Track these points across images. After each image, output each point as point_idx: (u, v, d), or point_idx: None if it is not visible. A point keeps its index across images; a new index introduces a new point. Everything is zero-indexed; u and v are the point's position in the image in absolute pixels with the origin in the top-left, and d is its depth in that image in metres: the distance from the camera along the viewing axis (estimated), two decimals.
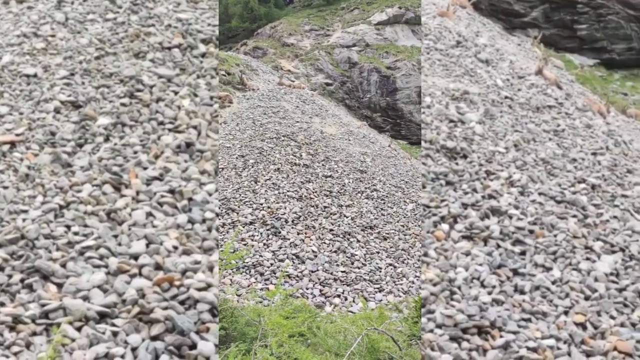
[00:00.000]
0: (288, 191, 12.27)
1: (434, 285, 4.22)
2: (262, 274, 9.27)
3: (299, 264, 9.75)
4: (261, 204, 11.52)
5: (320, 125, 18.46)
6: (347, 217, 11.77)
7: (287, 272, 9.33)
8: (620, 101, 15.38)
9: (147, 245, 3.74)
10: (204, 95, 5.47)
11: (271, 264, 9.57)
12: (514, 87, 8.90)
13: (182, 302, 3.30)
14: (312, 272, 9.57)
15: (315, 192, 12.75)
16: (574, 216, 5.60)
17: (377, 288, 9.59)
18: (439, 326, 3.82)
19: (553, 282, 4.57)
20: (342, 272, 9.77)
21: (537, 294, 4.36)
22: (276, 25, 34.54)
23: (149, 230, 3.86)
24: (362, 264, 10.21)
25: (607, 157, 7.29)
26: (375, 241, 11.21)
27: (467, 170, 5.83)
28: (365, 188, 13.55)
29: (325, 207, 12.08)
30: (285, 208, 11.51)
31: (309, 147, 15.33)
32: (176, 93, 5.48)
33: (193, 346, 3.06)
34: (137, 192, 4.29)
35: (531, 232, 5.15)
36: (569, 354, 3.82)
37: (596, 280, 4.74)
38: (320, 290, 9.18)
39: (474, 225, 4.97)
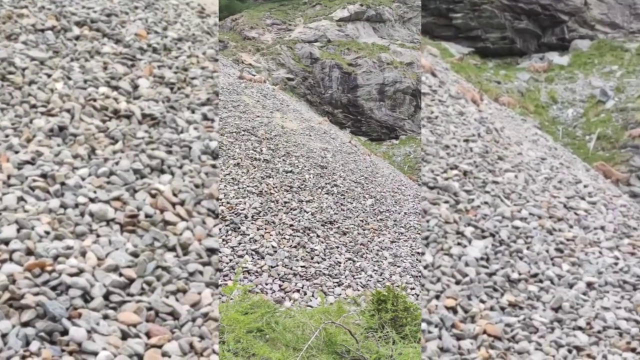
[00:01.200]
0: (248, 186, 12.18)
1: None
2: (220, 270, 9.18)
3: (258, 259, 9.71)
4: (220, 200, 11.39)
5: (281, 120, 18.41)
6: (307, 213, 11.81)
7: (245, 267, 9.28)
8: (494, 89, 15.94)
9: (18, 230, 3.65)
10: (77, 78, 5.38)
11: (230, 260, 9.49)
12: None
13: (53, 288, 3.25)
14: (272, 267, 9.56)
15: (276, 187, 12.72)
16: (446, 202, 5.67)
17: (336, 282, 9.68)
18: None
19: (425, 267, 4.66)
20: (301, 267, 9.81)
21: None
22: (237, 18, 34.09)
23: (20, 215, 3.77)
24: (322, 258, 10.28)
25: (479, 144, 7.34)
26: (334, 236, 11.31)
27: None
28: (326, 183, 13.63)
29: (285, 202, 12.07)
30: (245, 203, 11.43)
31: (270, 142, 15.25)
32: (49, 76, 5.37)
33: (65, 332, 3.03)
34: (8, 176, 4.17)
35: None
36: (440, 338, 3.88)
37: (467, 265, 4.83)
38: (280, 286, 9.19)
39: None
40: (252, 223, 10.71)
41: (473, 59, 21.32)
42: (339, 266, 10.20)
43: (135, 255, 3.64)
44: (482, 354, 3.73)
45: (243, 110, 17.50)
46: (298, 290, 9.13)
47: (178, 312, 3.32)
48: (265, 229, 10.69)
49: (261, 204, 11.44)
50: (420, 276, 10.67)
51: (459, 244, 5.12)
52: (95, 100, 5.12)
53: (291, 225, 11.10)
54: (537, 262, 5.11)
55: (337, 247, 10.85)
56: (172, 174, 4.44)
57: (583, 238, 5.87)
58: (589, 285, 5.20)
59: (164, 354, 3.06)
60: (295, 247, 10.37)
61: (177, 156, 4.63)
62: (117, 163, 4.45)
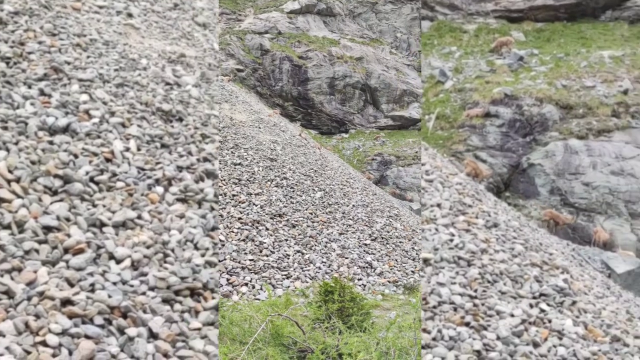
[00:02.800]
0: None
1: (147, 247, 4.07)
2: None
3: None
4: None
5: (229, 112, 18.11)
6: (256, 206, 11.72)
7: None
8: None
9: None
10: None
11: None
12: None
13: None
14: (220, 261, 9.43)
15: (224, 180, 12.53)
16: None
17: (285, 275, 9.69)
18: (151, 288, 3.71)
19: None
20: (250, 260, 9.74)
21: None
22: None
23: None
24: (271, 251, 10.25)
25: None
26: (283, 229, 11.30)
27: (183, 133, 5.78)
28: (275, 176, 13.57)
29: (234, 195, 11.92)
30: None
31: (218, 134, 15.00)
32: None
33: None
34: None
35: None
36: None
37: None
38: (228, 280, 9.08)
39: (188, 187, 4.90)
40: None
41: None
42: (288, 259, 10.21)
43: None
44: None
45: None
46: (246, 284, 9.06)
47: (13, 290, 3.21)
48: None
49: None
50: (367, 267, 10.86)
51: None
52: None
53: (239, 218, 10.98)
54: None
55: (286, 240, 10.85)
56: (8, 150, 4.25)
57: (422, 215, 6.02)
58: (426, 261, 5.31)
59: None
60: (243, 240, 10.28)
61: (13, 132, 4.43)
62: None
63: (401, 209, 16.27)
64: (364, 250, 11.48)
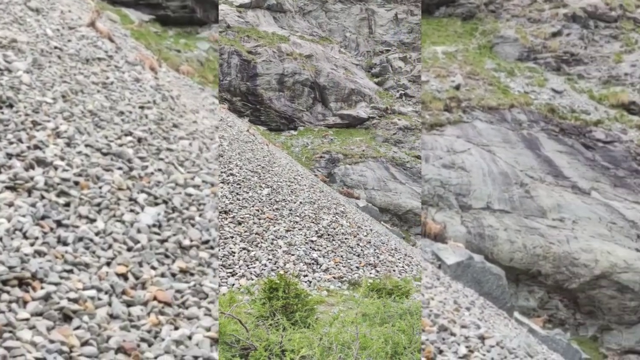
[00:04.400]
0: None
1: None
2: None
3: None
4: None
5: None
6: None
7: None
8: (174, 58, 16.07)
9: None
10: None
11: None
12: (64, 37, 8.89)
13: None
14: None
15: None
16: (120, 168, 5.68)
17: (230, 272, 9.57)
18: None
19: (97, 234, 4.63)
20: None
21: (81, 245, 4.38)
22: None
23: None
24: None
25: (154, 111, 7.47)
26: (229, 226, 11.15)
27: (13, 120, 5.68)
28: (222, 172, 13.36)
29: None
30: None
31: None
32: None
33: None
34: None
35: (76, 183, 5.14)
36: (110, 304, 3.87)
37: (139, 231, 4.87)
38: None
39: (18, 175, 4.81)
40: None
41: (153, 26, 21.41)
42: (233, 256, 10.09)
43: None
44: (152, 320, 3.84)
45: None
46: None
47: None
48: None
49: None
50: (313, 263, 10.94)
51: (131, 210, 5.10)
52: None
53: None
54: (208, 229, 5.26)
55: (232, 237, 10.71)
56: None
57: None
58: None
59: None
60: None
61: None
62: None
63: (347, 206, 16.48)
64: (310, 247, 11.54)
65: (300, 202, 13.66)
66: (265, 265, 10.16)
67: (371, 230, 14.19)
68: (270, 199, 13.13)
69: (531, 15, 22.18)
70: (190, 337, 3.83)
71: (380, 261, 12.04)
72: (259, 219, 11.89)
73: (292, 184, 14.97)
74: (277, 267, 10.26)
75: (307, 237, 11.94)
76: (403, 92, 32.04)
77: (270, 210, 12.55)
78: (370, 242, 12.88)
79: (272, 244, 11.06)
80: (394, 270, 11.93)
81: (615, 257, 10.42)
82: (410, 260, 13.24)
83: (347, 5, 35.40)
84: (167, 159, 6.29)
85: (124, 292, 4.04)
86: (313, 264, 10.90)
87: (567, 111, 14.40)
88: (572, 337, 9.78)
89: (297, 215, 12.84)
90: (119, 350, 3.49)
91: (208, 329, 3.98)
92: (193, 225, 5.24)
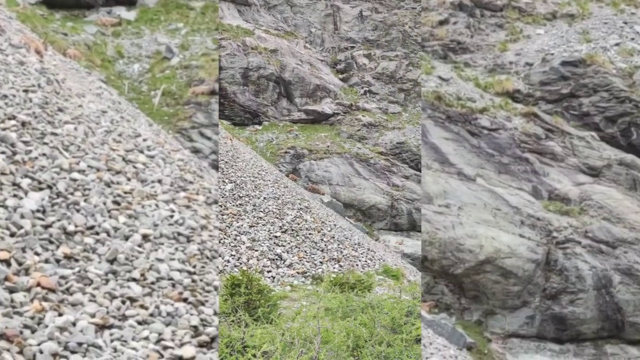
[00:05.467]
0: None
1: None
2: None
3: None
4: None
5: None
6: None
7: None
8: (61, 41, 15.96)
9: None
10: None
11: None
12: None
13: None
14: None
15: None
16: (3, 152, 5.56)
17: None
18: None
19: None
20: None
21: None
22: None
23: None
24: None
25: (39, 95, 7.36)
26: None
27: None
28: None
29: None
30: None
31: None
32: None
33: None
34: None
35: None
36: None
37: (22, 217, 4.83)
38: None
39: None
40: None
41: (40, 9, 21.29)
42: None
43: None
44: (35, 306, 3.84)
45: None
46: None
47: None
48: None
49: None
50: (277, 259, 10.95)
51: (14, 195, 5.05)
52: None
53: None
54: (94, 215, 5.26)
55: None
56: None
57: (140, 191, 6.01)
58: (145, 237, 5.34)
59: None
60: None
61: None
62: None
63: (312, 201, 16.56)
64: (274, 243, 11.55)
65: (264, 198, 13.63)
66: (228, 262, 10.10)
67: (335, 225, 14.32)
68: (233, 195, 13.04)
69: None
70: (74, 324, 3.81)
71: (343, 256, 12.18)
72: (222, 215, 11.79)
73: (256, 179, 14.92)
74: (241, 264, 10.23)
75: (271, 233, 11.94)
76: (367, 88, 32.33)
77: (233, 205, 12.47)
78: (334, 237, 13.00)
79: (235, 239, 11.00)
80: (357, 265, 12.09)
81: (500, 242, 10.41)
82: (373, 254, 13.44)
83: (312, 1, 35.37)
84: (51, 143, 6.16)
85: (6, 279, 3.97)
86: (277, 259, 10.92)
87: (453, 99, 14.58)
88: (457, 321, 9.96)
89: (261, 211, 12.81)
90: (1, 337, 3.44)
91: (93, 315, 3.98)
92: (78, 211, 5.19)
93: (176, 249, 5.30)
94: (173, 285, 4.77)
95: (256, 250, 10.92)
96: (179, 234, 5.53)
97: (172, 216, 5.77)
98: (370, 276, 10.61)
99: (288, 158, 26.25)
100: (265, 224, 12.19)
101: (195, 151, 12.97)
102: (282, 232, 12.09)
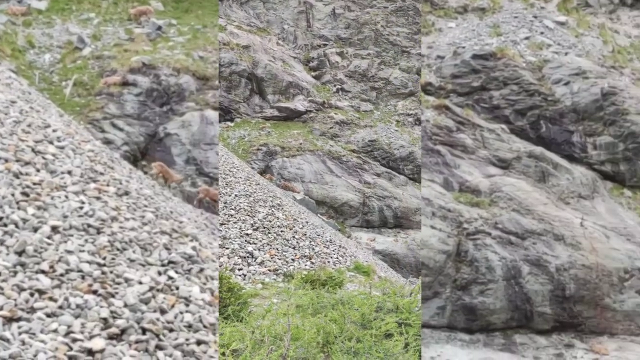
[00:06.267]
0: None
1: None
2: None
3: None
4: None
5: None
6: None
7: None
8: None
9: None
10: None
11: None
12: None
13: None
14: None
15: None
16: None
17: None
18: None
19: None
20: None
21: None
22: None
23: None
24: None
25: None
26: None
27: None
28: None
29: None
30: None
31: None
32: None
33: None
34: None
35: None
36: None
37: None
38: None
39: None
40: None
41: None
42: None
43: None
44: None
45: None
46: None
47: None
48: None
49: None
50: (248, 257, 10.91)
51: None
52: None
53: None
54: (2, 206, 5.22)
55: None
56: None
57: (50, 182, 5.98)
58: (54, 228, 5.30)
59: None
60: None
61: None
62: None
63: (284, 198, 16.55)
64: (246, 240, 11.51)
65: (236, 195, 13.55)
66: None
67: (307, 222, 14.36)
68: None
69: None
70: None
71: (315, 253, 12.24)
72: None
73: (227, 176, 14.81)
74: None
75: (242, 230, 11.89)
76: (340, 86, 32.46)
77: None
78: (305, 235, 13.04)
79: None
80: (328, 262, 12.17)
81: None
82: (345, 251, 13.55)
83: None
84: None
85: None
86: (248, 257, 10.89)
87: None
88: None
89: (232, 208, 12.74)
90: None
91: (0, 308, 3.97)
92: None
93: (86, 240, 5.22)
94: (82, 277, 4.72)
95: (227, 248, 10.86)
96: (89, 225, 5.44)
97: (81, 207, 5.67)
98: (342, 273, 10.70)
99: (260, 155, 26.14)
100: (237, 222, 12.14)
101: (107, 142, 12.92)
102: (254, 229, 12.06)
